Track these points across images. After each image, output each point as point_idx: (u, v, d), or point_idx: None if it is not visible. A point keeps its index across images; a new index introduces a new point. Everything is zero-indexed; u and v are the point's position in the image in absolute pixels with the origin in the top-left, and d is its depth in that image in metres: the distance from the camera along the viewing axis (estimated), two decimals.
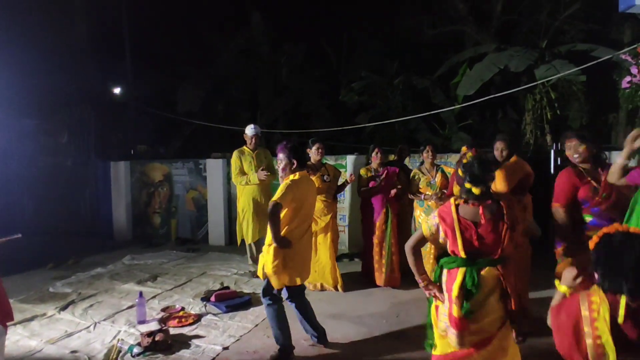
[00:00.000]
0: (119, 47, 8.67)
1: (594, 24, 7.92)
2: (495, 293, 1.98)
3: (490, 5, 8.97)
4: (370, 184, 4.53)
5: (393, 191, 4.44)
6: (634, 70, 3.47)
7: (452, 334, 1.96)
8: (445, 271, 2.07)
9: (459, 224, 1.95)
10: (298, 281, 2.96)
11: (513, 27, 8.93)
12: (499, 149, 4.00)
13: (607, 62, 5.33)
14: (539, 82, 6.80)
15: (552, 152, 5.66)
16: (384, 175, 4.52)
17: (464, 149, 4.06)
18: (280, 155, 2.99)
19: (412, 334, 3.27)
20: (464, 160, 2.00)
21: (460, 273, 1.96)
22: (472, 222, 1.95)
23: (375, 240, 4.51)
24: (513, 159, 3.66)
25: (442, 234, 2.01)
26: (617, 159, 2.42)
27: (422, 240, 2.15)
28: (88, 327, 3.59)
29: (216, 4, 10.76)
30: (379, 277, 4.47)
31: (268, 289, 2.96)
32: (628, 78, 3.54)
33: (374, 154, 4.57)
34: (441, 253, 2.14)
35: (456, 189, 3.94)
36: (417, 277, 2.16)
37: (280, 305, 3.01)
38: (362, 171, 4.63)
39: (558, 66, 6.72)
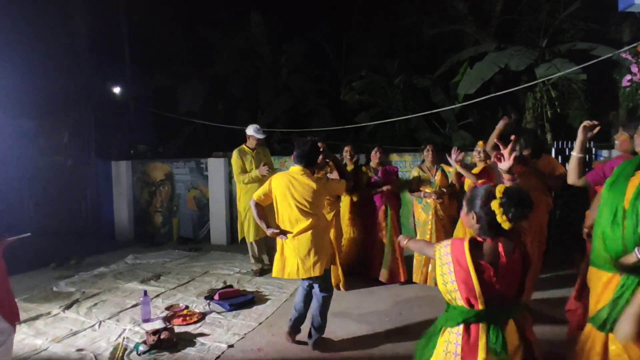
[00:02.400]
0: (118, 47, 8.67)
1: (593, 23, 7.94)
2: (519, 353, 1.66)
3: (490, 5, 8.98)
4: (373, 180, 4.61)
5: (386, 187, 4.51)
6: (634, 68, 3.49)
7: None
8: (457, 330, 1.67)
9: (475, 268, 1.60)
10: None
11: (513, 26, 8.93)
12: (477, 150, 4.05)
13: (607, 61, 5.36)
14: (539, 80, 6.82)
15: (553, 150, 5.69)
16: (381, 174, 4.62)
17: (480, 143, 4.11)
18: None
19: (416, 331, 3.29)
20: (498, 194, 1.64)
21: (482, 331, 1.62)
22: (489, 263, 1.63)
23: (376, 237, 4.57)
24: (544, 159, 3.69)
25: (451, 277, 1.64)
26: (572, 153, 2.33)
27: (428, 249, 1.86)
28: (93, 325, 3.60)
29: (216, 3, 10.75)
30: (381, 273, 4.51)
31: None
32: (628, 77, 3.56)
33: (373, 153, 4.69)
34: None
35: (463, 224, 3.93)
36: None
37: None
38: (362, 169, 4.68)
39: (558, 65, 6.74)
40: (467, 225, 1.77)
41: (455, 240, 1.71)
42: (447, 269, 1.65)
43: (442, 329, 1.74)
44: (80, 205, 7.77)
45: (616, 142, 2.73)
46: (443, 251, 1.69)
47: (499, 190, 1.64)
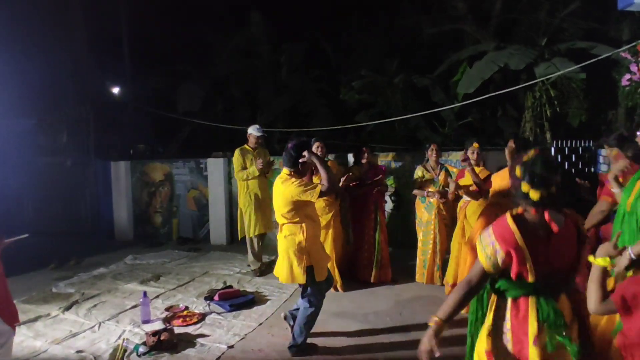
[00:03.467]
0: (118, 46, 8.65)
1: (593, 22, 7.93)
2: (574, 328, 1.61)
3: (490, 4, 8.98)
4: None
5: (377, 180, 4.53)
6: (633, 67, 3.48)
7: None
8: (506, 304, 1.61)
9: (525, 239, 1.54)
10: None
11: (512, 25, 8.93)
12: (510, 147, 3.99)
13: (606, 60, 5.35)
14: (538, 80, 6.81)
15: (552, 149, 5.68)
16: (369, 173, 4.62)
17: (475, 144, 4.11)
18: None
19: (417, 331, 3.28)
20: (525, 158, 1.63)
21: (531, 304, 1.57)
22: (541, 234, 1.56)
23: (364, 239, 4.57)
24: None
25: (501, 255, 1.56)
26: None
27: (484, 277, 1.63)
28: (92, 327, 3.59)
29: (216, 3, 10.73)
30: (371, 274, 4.50)
31: None
32: (627, 76, 3.55)
33: (361, 153, 4.69)
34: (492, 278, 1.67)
35: (465, 182, 3.93)
36: (438, 317, 1.65)
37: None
38: (353, 170, 4.68)
39: (558, 64, 6.74)
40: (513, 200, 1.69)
41: (496, 224, 1.63)
42: (491, 249, 1.57)
43: (487, 305, 1.68)
44: (79, 205, 7.75)
45: (611, 159, 2.76)
46: (484, 236, 1.62)
47: (527, 157, 1.62)
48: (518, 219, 1.59)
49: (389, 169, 5.95)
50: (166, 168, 7.32)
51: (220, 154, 6.94)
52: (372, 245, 4.55)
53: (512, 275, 1.56)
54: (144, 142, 9.09)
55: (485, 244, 1.60)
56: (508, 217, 1.60)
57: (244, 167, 4.97)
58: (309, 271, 2.91)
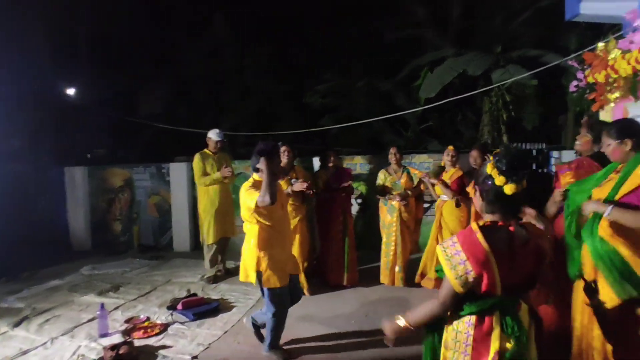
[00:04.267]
0: (75, 47, 8.26)
1: (543, 31, 8.40)
2: (532, 330, 1.62)
3: (449, 11, 9.31)
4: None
5: (347, 183, 4.60)
6: (580, 75, 3.71)
7: None
8: (468, 319, 1.58)
9: (495, 255, 1.48)
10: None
11: (470, 32, 9.31)
12: (474, 156, 4.13)
13: (556, 67, 5.67)
14: (494, 85, 7.13)
15: None
16: (335, 177, 4.66)
17: (450, 147, 4.25)
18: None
19: (381, 333, 3.33)
20: (492, 157, 1.59)
21: (495, 319, 1.54)
22: (507, 247, 1.52)
23: (333, 243, 4.60)
24: None
25: (472, 275, 1.49)
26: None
27: (456, 297, 1.56)
28: (45, 343, 3.39)
29: (179, 4, 10.47)
30: (342, 276, 4.55)
31: None
32: (575, 82, 3.77)
33: (328, 157, 4.74)
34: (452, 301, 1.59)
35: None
36: (407, 322, 1.68)
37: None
38: (320, 174, 4.72)
39: (512, 70, 7.08)
40: (478, 209, 1.67)
41: (461, 234, 1.56)
42: (462, 269, 1.49)
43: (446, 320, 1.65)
44: (33, 213, 7.31)
45: (577, 142, 2.88)
46: (450, 251, 1.53)
47: (494, 153, 1.59)
48: (486, 232, 1.52)
49: (354, 172, 6.03)
50: (126, 173, 7.06)
51: (184, 158, 6.78)
52: (342, 248, 4.58)
53: (482, 290, 1.52)
54: (103, 146, 8.73)
55: (455, 263, 1.51)
56: (477, 231, 1.52)
57: (206, 172, 4.87)
58: (259, 276, 2.90)
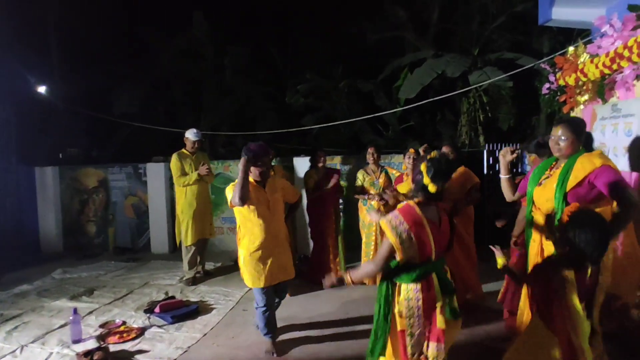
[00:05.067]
0: (45, 42, 7.96)
1: (518, 35, 8.64)
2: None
3: (428, 14, 9.45)
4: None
5: (333, 183, 4.60)
6: (551, 78, 3.83)
7: (436, 349, 1.89)
8: (411, 286, 1.94)
9: (428, 222, 1.90)
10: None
11: (449, 35, 9.47)
12: (446, 153, 4.18)
13: (530, 70, 5.83)
14: (472, 87, 7.28)
15: (485, 152, 6.08)
16: (326, 177, 4.66)
17: (411, 150, 4.28)
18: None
19: (362, 331, 3.35)
20: (430, 156, 1.99)
21: (435, 280, 1.96)
22: (434, 221, 1.94)
23: (329, 241, 4.59)
24: (461, 169, 3.77)
25: (405, 227, 1.86)
26: (500, 176, 2.63)
27: (392, 252, 1.92)
28: (14, 351, 3.25)
29: (156, 1, 10.24)
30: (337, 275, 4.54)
31: None
32: (547, 85, 3.89)
33: (317, 157, 4.72)
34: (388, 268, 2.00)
35: (404, 188, 4.09)
36: (350, 279, 2.11)
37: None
38: (311, 174, 4.69)
39: (488, 72, 7.24)
40: (409, 190, 2.07)
41: (402, 209, 1.93)
42: (406, 236, 1.85)
43: (392, 293, 1.99)
44: (0, 215, 7.00)
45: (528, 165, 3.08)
46: (395, 222, 1.88)
47: (428, 158, 1.96)
48: (421, 207, 1.93)
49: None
50: (101, 174, 6.85)
51: (162, 158, 6.63)
52: (336, 247, 4.61)
53: (422, 256, 1.89)
54: (76, 145, 8.44)
55: (399, 230, 1.86)
56: (414, 206, 1.93)
57: (184, 173, 4.79)
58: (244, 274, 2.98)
